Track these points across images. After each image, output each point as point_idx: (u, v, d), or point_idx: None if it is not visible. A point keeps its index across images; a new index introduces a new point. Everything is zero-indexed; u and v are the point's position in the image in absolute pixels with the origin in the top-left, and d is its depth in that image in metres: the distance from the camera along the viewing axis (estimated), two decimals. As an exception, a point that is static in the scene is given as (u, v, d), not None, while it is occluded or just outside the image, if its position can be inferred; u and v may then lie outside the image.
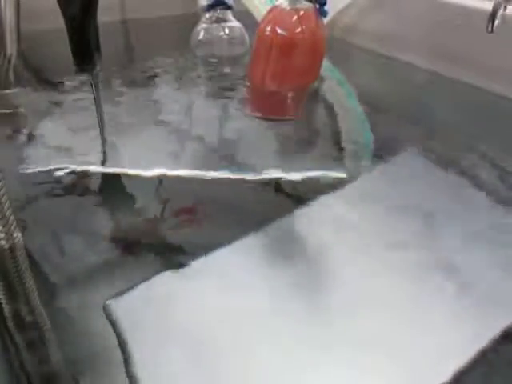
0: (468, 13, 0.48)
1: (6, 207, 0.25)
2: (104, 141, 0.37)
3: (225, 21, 0.55)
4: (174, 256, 0.27)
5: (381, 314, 0.23)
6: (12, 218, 0.25)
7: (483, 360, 0.21)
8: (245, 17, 0.57)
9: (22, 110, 0.43)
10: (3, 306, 0.23)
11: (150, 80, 0.50)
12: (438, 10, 0.51)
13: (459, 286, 0.24)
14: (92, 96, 0.36)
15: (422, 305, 0.24)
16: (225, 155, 0.37)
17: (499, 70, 0.46)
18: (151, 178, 0.33)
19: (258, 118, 0.43)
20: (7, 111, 0.43)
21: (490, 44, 0.45)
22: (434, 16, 0.52)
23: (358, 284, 0.25)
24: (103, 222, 0.29)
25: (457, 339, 0.22)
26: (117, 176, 0.34)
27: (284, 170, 0.34)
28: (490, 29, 0.38)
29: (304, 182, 0.33)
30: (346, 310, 0.23)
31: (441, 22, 0.51)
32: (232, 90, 0.49)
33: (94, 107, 0.37)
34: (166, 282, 0.24)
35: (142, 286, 0.24)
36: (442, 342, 0.21)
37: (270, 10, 0.46)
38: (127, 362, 0.20)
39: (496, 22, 0.38)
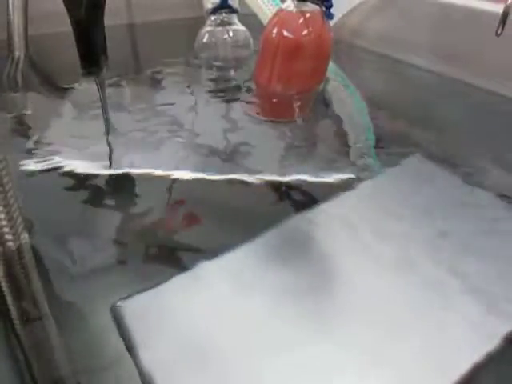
0: (475, 15, 0.48)
1: (13, 209, 0.25)
2: (110, 142, 0.37)
3: (229, 24, 0.55)
4: (179, 259, 0.26)
5: (383, 320, 0.23)
6: (19, 219, 0.25)
7: (484, 370, 0.20)
8: (250, 20, 0.57)
9: (29, 112, 0.43)
10: (10, 306, 0.23)
11: (155, 83, 0.50)
12: (444, 12, 0.51)
13: (467, 294, 0.24)
14: (98, 98, 0.36)
15: (427, 311, 0.23)
16: (229, 157, 0.37)
17: (506, 71, 0.46)
18: (155, 180, 0.33)
19: (263, 120, 0.43)
20: (15, 114, 0.43)
21: (497, 46, 0.45)
22: (441, 18, 0.52)
23: (362, 289, 0.24)
24: (108, 224, 0.29)
25: (460, 349, 0.21)
26: (121, 177, 0.34)
27: (288, 172, 0.34)
28: (499, 32, 0.38)
29: (308, 184, 0.33)
30: (350, 315, 0.23)
31: (447, 24, 0.51)
32: (236, 92, 0.49)
33: (100, 109, 0.37)
34: (173, 286, 0.24)
35: (150, 289, 0.24)
36: (444, 352, 0.21)
37: (277, 13, 0.46)
38: (134, 363, 0.20)
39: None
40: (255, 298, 0.24)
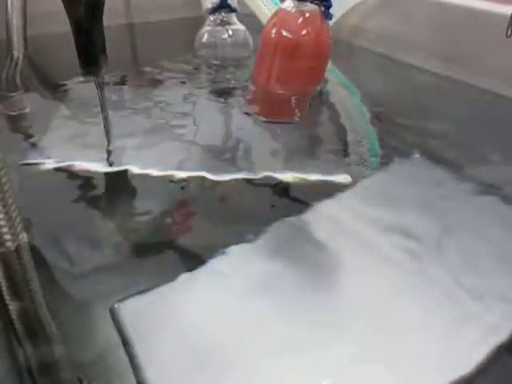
0: (474, 15, 0.48)
1: (12, 208, 0.25)
2: (109, 142, 0.37)
3: (229, 23, 0.56)
4: (178, 259, 0.26)
5: (383, 321, 0.23)
6: (18, 218, 0.25)
7: (485, 368, 0.20)
8: (249, 20, 0.57)
9: (28, 111, 0.43)
10: (9, 306, 0.23)
11: (154, 82, 0.50)
12: (443, 12, 0.51)
13: (465, 294, 0.24)
14: (97, 98, 0.36)
15: (426, 311, 0.23)
16: (228, 157, 0.37)
17: (507, 71, 0.46)
18: (154, 180, 0.33)
19: (261, 120, 0.43)
20: (14, 113, 0.43)
21: (497, 46, 0.45)
22: (440, 18, 0.52)
23: (361, 289, 0.24)
24: (107, 223, 0.29)
25: (458, 349, 0.21)
26: (120, 177, 0.34)
27: (287, 172, 0.34)
28: (509, 33, 0.38)
29: (307, 184, 0.33)
30: (348, 316, 0.23)
31: (447, 24, 0.51)
32: (235, 92, 0.49)
33: (99, 109, 0.37)
34: (172, 286, 0.24)
35: (149, 290, 0.24)
36: (443, 352, 0.21)
37: (276, 13, 0.46)
38: (132, 364, 0.20)
39: None
40: (255, 298, 0.24)
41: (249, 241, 0.27)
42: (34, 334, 0.22)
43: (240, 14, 0.56)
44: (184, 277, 0.25)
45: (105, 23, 0.33)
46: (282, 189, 0.33)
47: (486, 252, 0.27)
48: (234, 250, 0.27)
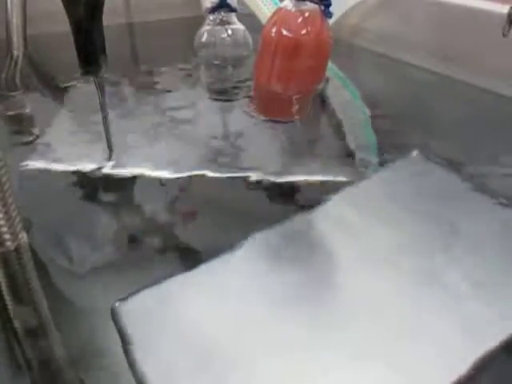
0: (474, 14, 0.48)
1: (12, 208, 0.25)
2: (109, 142, 0.37)
3: (228, 23, 0.56)
4: (178, 258, 0.26)
5: (383, 321, 0.23)
6: (18, 218, 0.25)
7: (485, 368, 0.20)
8: (249, 19, 0.57)
9: (28, 111, 0.43)
10: (9, 306, 0.23)
11: (153, 82, 0.50)
12: (443, 12, 0.51)
13: (466, 293, 0.24)
14: (97, 98, 0.36)
15: (426, 311, 0.23)
16: (228, 157, 0.37)
17: (507, 71, 0.46)
18: (154, 179, 0.33)
19: (262, 119, 0.43)
20: (13, 113, 0.43)
21: (497, 45, 0.45)
22: (440, 18, 0.52)
23: (362, 289, 0.24)
24: (107, 223, 0.29)
25: (459, 347, 0.21)
26: (120, 176, 0.34)
27: (287, 172, 0.34)
28: (506, 32, 0.38)
29: (307, 184, 0.33)
30: (348, 316, 0.23)
31: (447, 24, 0.51)
32: (235, 91, 0.49)
33: (99, 109, 0.37)
34: (172, 286, 0.24)
35: (150, 289, 0.24)
36: (443, 351, 0.21)
37: (276, 12, 0.46)
38: (132, 364, 0.20)
39: None
40: (255, 298, 0.24)
41: (249, 241, 0.27)
42: (34, 333, 0.22)
43: (240, 13, 0.56)
44: (184, 276, 0.25)
45: (104, 23, 0.33)
46: (283, 189, 0.33)
47: (486, 250, 0.27)
48: (234, 249, 0.26)
